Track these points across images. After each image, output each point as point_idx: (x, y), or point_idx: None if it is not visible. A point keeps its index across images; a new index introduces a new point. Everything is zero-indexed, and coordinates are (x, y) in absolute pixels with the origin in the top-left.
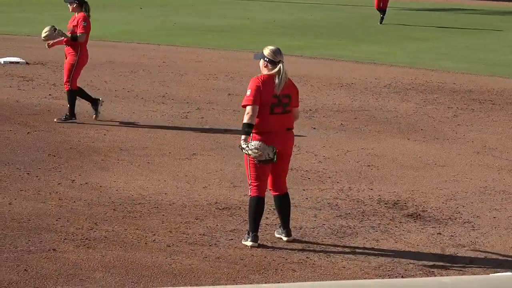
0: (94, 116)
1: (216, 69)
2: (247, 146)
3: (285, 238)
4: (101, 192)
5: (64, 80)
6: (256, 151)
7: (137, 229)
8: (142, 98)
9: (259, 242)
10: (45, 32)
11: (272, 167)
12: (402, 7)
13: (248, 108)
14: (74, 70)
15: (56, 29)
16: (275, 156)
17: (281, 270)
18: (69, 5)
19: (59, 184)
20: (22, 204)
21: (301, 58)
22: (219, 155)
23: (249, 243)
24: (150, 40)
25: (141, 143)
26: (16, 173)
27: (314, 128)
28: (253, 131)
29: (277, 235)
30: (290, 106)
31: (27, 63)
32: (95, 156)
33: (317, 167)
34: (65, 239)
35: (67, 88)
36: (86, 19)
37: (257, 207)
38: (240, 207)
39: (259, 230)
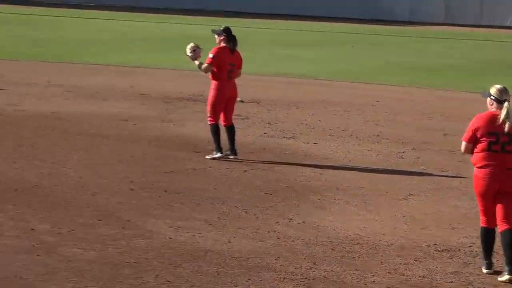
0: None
1: (430, 108)
2: None
3: (508, 276)
4: (318, 231)
5: (207, 115)
6: None
7: (356, 269)
8: (356, 137)
9: (493, 269)
10: (190, 49)
11: (498, 203)
12: None
13: (462, 144)
14: (212, 105)
15: (197, 48)
16: None
17: None
18: (216, 36)
19: (276, 222)
20: (241, 242)
21: None
22: (436, 196)
23: (484, 270)
24: (362, 79)
25: (357, 183)
26: (234, 211)
27: None
28: (474, 165)
29: (499, 279)
30: (511, 146)
31: (241, 101)
32: (311, 195)
33: None
34: (284, 278)
35: (209, 123)
36: (215, 51)
37: (485, 237)
38: (459, 249)
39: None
